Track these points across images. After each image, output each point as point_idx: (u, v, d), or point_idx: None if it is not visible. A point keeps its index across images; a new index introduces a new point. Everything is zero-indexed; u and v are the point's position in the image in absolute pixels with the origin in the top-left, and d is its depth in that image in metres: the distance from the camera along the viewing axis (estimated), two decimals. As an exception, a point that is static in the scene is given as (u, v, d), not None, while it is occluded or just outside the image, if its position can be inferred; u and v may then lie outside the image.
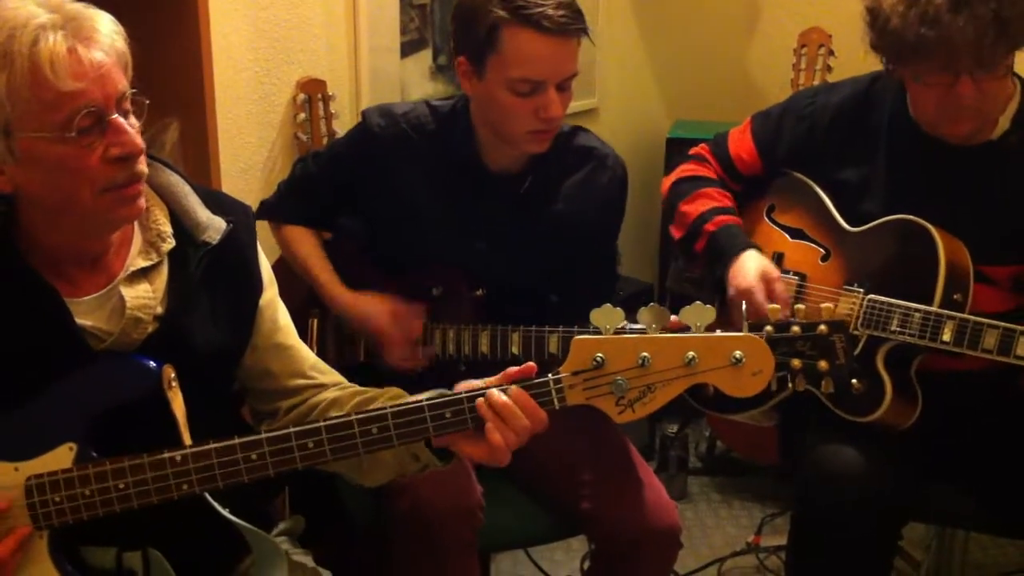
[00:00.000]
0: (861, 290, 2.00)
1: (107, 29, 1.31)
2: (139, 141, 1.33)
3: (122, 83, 1.32)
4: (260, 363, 1.56)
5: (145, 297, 1.42)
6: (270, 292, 1.58)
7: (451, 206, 2.04)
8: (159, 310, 1.43)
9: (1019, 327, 1.84)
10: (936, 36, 1.76)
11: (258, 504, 1.62)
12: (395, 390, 1.53)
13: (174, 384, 1.38)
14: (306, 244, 2.13)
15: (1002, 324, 1.85)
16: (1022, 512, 1.99)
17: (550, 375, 1.35)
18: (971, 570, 2.65)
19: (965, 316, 1.88)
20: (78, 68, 1.27)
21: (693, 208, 2.19)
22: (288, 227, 2.14)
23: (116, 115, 1.31)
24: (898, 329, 1.92)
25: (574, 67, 1.90)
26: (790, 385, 1.47)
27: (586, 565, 2.56)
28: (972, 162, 1.97)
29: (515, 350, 1.97)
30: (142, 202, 1.38)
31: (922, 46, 1.78)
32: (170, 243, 1.45)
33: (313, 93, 2.57)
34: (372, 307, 2.05)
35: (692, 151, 2.32)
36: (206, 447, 1.35)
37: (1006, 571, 2.65)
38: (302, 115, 2.56)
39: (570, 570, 2.78)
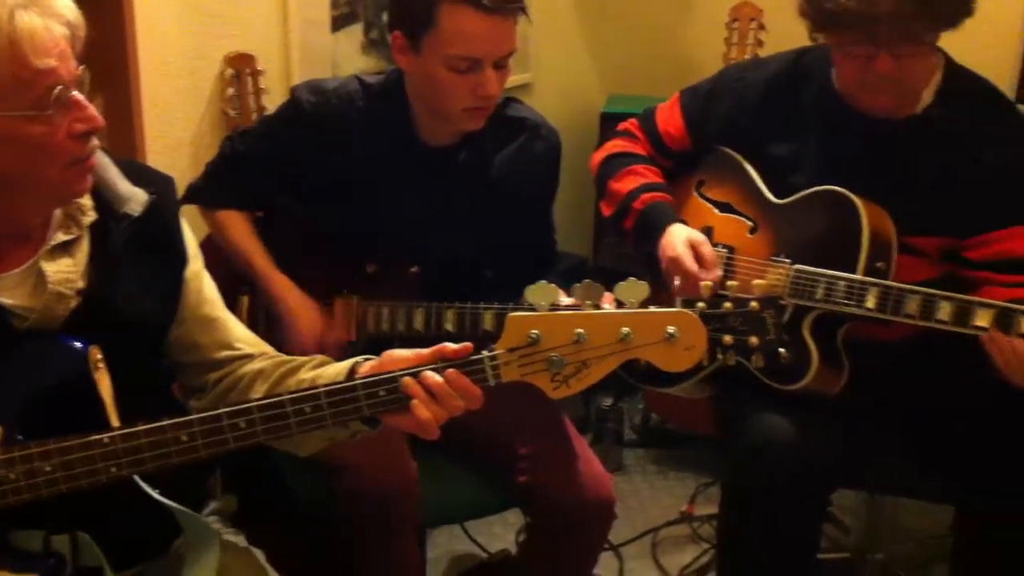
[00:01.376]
0: (788, 261, 2.02)
1: (66, 3, 1.29)
2: (99, 116, 1.33)
3: (75, 59, 1.30)
4: (187, 336, 1.55)
5: (67, 271, 1.39)
6: (195, 264, 1.56)
7: (387, 182, 2.03)
8: (81, 284, 1.40)
9: (940, 292, 1.87)
10: (857, 7, 1.79)
11: (190, 483, 1.60)
12: (320, 357, 1.53)
13: (101, 365, 1.36)
14: (238, 228, 2.09)
15: (923, 290, 1.88)
16: (951, 479, 2.04)
17: (485, 352, 1.35)
18: (900, 534, 2.72)
19: (888, 283, 1.92)
20: (52, 45, 1.26)
21: (622, 185, 2.20)
22: (219, 211, 2.11)
23: (76, 91, 1.29)
24: (824, 298, 1.95)
25: (512, 45, 1.90)
26: (720, 357, 1.50)
27: (521, 538, 2.57)
28: (897, 135, 2.00)
29: (449, 327, 1.97)
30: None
31: (844, 15, 1.81)
32: (91, 216, 1.43)
33: (242, 68, 2.53)
34: (302, 318, 2.03)
35: (620, 127, 2.33)
36: (135, 429, 1.33)
37: (935, 535, 2.72)
38: (231, 90, 2.52)
39: (506, 543, 2.80)
